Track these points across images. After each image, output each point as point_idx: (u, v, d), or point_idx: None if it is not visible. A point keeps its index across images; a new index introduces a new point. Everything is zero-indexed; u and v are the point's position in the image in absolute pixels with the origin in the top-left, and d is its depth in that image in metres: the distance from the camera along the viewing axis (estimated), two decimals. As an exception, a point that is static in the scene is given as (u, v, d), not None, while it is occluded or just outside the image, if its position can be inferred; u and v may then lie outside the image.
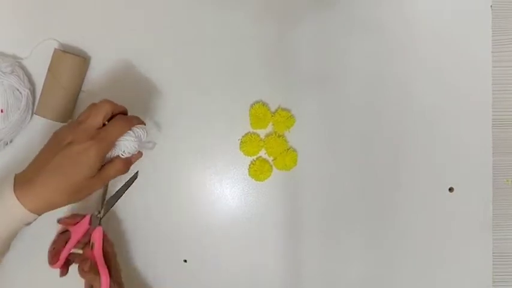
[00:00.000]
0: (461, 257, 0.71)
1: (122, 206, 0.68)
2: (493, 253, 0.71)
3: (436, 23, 0.72)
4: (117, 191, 0.65)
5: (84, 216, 0.63)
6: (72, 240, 0.61)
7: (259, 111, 0.69)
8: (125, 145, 0.57)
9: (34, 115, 0.67)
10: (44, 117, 0.65)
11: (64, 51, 0.66)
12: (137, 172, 0.64)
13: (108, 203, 0.64)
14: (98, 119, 0.53)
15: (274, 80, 0.71)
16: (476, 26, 0.72)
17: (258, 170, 0.70)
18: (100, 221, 0.63)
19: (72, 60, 0.65)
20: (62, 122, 0.66)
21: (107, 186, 0.64)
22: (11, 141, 0.67)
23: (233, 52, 0.70)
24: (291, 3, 0.71)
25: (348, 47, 0.71)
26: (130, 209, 0.69)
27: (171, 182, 0.70)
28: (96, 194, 0.64)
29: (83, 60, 0.66)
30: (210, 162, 0.70)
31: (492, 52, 0.72)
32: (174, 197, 0.70)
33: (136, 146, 0.58)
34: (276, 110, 0.70)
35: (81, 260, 0.61)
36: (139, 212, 0.69)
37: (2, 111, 0.64)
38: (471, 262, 0.71)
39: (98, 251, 0.60)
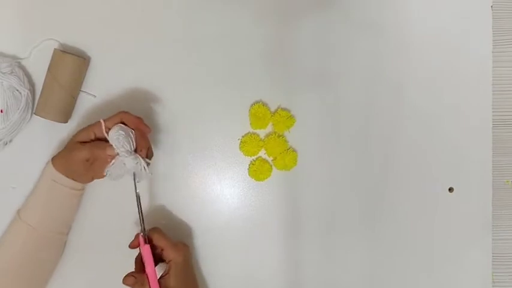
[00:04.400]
0: (461, 257, 0.71)
1: (123, 207, 0.68)
2: (492, 253, 0.71)
3: (437, 23, 0.72)
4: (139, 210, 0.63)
5: (138, 235, 0.62)
6: (146, 263, 0.60)
7: (259, 111, 0.69)
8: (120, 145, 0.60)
9: (34, 115, 0.67)
10: (43, 117, 0.65)
11: (64, 51, 0.66)
12: (138, 192, 0.62)
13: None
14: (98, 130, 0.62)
15: (274, 80, 0.71)
16: (476, 26, 0.72)
17: (258, 170, 0.70)
18: (146, 239, 0.61)
19: (72, 60, 0.65)
20: (62, 122, 0.66)
21: (140, 205, 0.62)
22: (10, 141, 0.67)
23: (233, 52, 0.70)
24: (291, 3, 0.71)
25: (348, 47, 0.71)
26: (131, 209, 0.69)
27: (171, 182, 0.70)
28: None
29: (82, 60, 0.66)
30: (210, 162, 0.70)
31: (492, 52, 0.72)
32: (174, 197, 0.70)
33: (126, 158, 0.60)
34: (276, 110, 0.70)
35: (128, 275, 0.60)
36: (139, 212, 0.69)
37: (1, 111, 0.64)
38: (471, 262, 0.72)
39: (148, 269, 0.59)
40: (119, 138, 0.59)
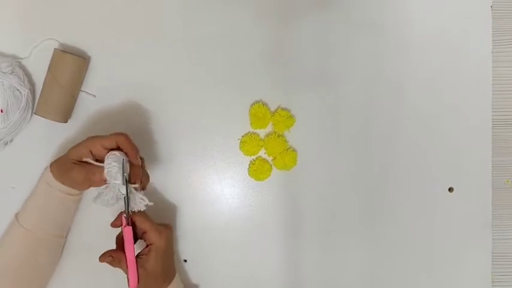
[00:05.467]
0: (461, 257, 0.71)
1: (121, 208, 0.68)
2: (492, 253, 0.71)
3: (437, 23, 0.72)
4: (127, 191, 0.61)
5: (121, 215, 0.61)
6: (126, 244, 0.60)
7: (259, 111, 0.69)
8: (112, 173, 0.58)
9: (34, 115, 0.67)
10: (43, 117, 0.65)
11: (64, 51, 0.66)
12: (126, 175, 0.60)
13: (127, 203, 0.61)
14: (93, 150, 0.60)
15: (274, 80, 0.71)
16: (476, 26, 0.72)
17: (258, 170, 0.70)
18: (128, 221, 0.61)
19: (72, 60, 0.65)
20: (62, 122, 0.66)
21: (127, 186, 0.60)
22: (11, 141, 0.68)
23: (233, 52, 0.70)
24: (291, 3, 0.71)
25: (348, 47, 0.71)
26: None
27: (171, 182, 0.70)
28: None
29: (82, 60, 0.66)
30: (210, 162, 0.70)
31: (492, 52, 0.72)
32: (174, 197, 0.70)
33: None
34: (276, 110, 0.70)
35: (105, 253, 0.60)
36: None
37: (2, 111, 0.65)
38: (471, 262, 0.71)
39: (127, 250, 0.60)
40: (111, 171, 0.58)
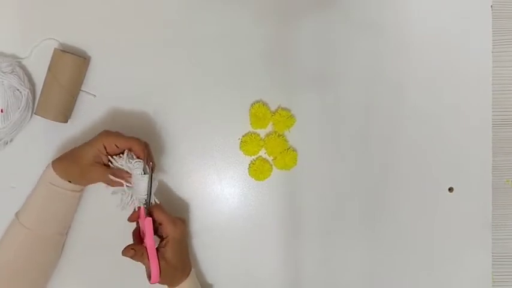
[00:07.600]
0: (461, 257, 0.71)
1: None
2: (492, 253, 0.71)
3: (437, 23, 0.72)
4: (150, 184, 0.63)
5: (139, 208, 0.62)
6: (147, 235, 0.61)
7: (259, 110, 0.69)
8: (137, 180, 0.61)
9: (34, 115, 0.67)
10: (43, 117, 0.65)
11: (64, 51, 0.66)
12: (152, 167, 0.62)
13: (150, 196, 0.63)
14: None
15: (275, 80, 0.71)
16: (476, 26, 0.72)
17: (258, 170, 0.70)
18: (147, 212, 0.61)
19: (72, 60, 0.65)
20: (62, 121, 0.66)
21: (151, 178, 0.61)
22: (11, 141, 0.67)
23: (233, 52, 0.70)
24: (291, 3, 0.71)
25: (348, 47, 0.71)
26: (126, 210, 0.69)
27: (171, 182, 0.70)
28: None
29: (82, 60, 0.66)
30: (210, 162, 0.70)
31: (492, 52, 0.72)
32: (174, 197, 0.70)
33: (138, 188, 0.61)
34: (276, 110, 0.70)
35: (127, 247, 0.60)
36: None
37: (2, 111, 0.64)
38: (471, 262, 0.72)
39: (148, 241, 0.60)
40: (139, 184, 0.60)
